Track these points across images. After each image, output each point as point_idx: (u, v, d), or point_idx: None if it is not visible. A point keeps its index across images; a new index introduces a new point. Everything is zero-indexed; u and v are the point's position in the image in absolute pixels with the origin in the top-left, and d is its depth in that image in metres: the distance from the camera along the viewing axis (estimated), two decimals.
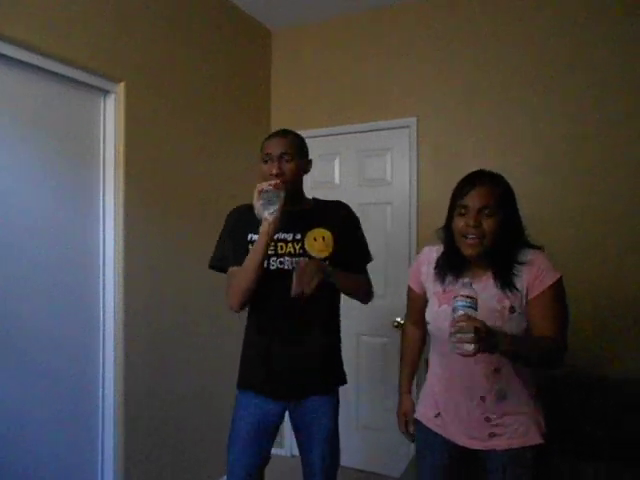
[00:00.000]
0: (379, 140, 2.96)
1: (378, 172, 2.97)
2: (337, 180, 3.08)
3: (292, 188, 1.58)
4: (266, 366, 1.60)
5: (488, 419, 1.34)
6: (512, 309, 1.30)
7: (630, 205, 2.35)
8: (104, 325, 2.14)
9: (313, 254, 1.59)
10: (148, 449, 2.27)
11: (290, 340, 1.59)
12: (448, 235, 1.40)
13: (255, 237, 1.57)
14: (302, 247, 1.60)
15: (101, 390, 2.14)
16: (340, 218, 1.68)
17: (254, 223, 1.56)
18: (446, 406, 1.42)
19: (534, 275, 1.29)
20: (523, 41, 2.58)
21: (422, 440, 1.51)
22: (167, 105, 2.41)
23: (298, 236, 1.61)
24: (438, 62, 2.78)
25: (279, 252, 1.60)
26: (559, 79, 2.50)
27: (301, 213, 1.64)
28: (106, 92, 2.13)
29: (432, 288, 1.45)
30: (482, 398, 1.34)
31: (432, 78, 2.79)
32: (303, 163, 1.65)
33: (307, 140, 3.22)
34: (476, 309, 1.16)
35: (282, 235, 1.61)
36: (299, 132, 3.23)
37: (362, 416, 2.98)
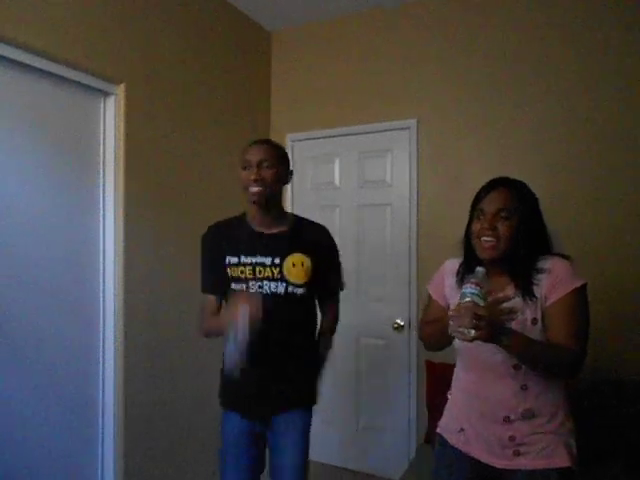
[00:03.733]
0: (379, 141, 2.96)
1: (378, 174, 2.97)
2: (337, 181, 3.08)
3: (270, 198, 1.57)
4: (237, 387, 1.62)
5: (513, 438, 1.29)
6: (534, 321, 1.26)
7: (635, 204, 2.34)
8: (104, 325, 2.14)
9: (291, 280, 1.59)
10: (148, 449, 2.27)
11: (262, 362, 1.56)
12: (467, 242, 1.39)
13: (233, 260, 1.60)
14: (280, 272, 1.58)
15: (101, 390, 2.14)
16: (320, 245, 1.67)
17: (230, 244, 1.60)
18: (470, 422, 1.38)
19: (551, 283, 1.25)
20: (523, 42, 2.58)
21: (441, 455, 1.46)
22: (167, 106, 2.41)
23: (277, 260, 1.59)
24: (438, 64, 2.78)
25: (257, 276, 1.59)
26: (560, 80, 2.50)
27: (280, 235, 1.62)
28: (106, 93, 2.13)
29: (455, 300, 1.40)
30: (507, 416, 1.29)
31: (432, 80, 2.79)
32: (283, 172, 1.62)
33: (307, 141, 3.25)
34: (484, 298, 1.15)
35: (260, 259, 1.59)
36: (299, 133, 3.27)
37: (362, 417, 2.98)
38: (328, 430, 3.06)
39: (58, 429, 1.97)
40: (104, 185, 2.15)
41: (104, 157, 2.15)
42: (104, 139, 2.15)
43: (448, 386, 2.45)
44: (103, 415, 2.14)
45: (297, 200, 3.19)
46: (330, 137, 3.08)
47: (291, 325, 1.61)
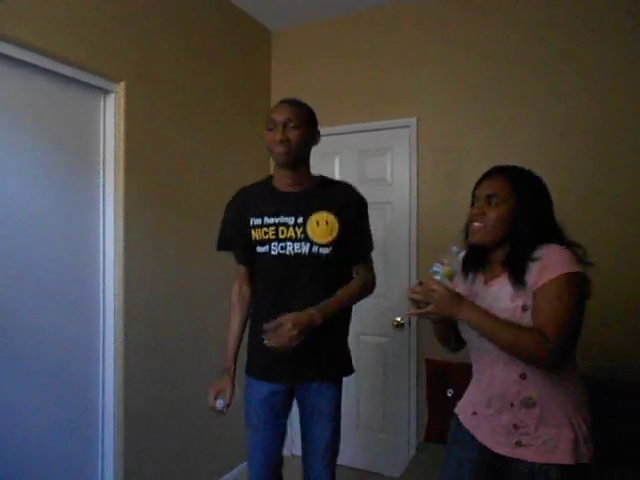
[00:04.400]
0: (379, 140, 2.96)
1: (378, 172, 2.97)
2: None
3: (298, 158, 1.54)
4: (266, 353, 1.52)
5: (516, 426, 1.28)
6: (524, 307, 1.25)
7: (634, 205, 2.35)
8: (104, 325, 2.14)
9: (315, 239, 1.52)
10: (148, 449, 2.27)
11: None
12: (467, 232, 1.38)
13: (257, 222, 1.58)
14: (304, 231, 1.52)
15: (101, 390, 2.14)
16: (347, 202, 1.59)
17: (255, 205, 1.60)
18: (480, 407, 1.39)
19: (540, 269, 1.22)
20: (523, 42, 2.58)
21: (454, 434, 1.48)
22: (167, 105, 2.41)
23: (300, 219, 1.53)
24: (438, 62, 2.78)
25: (280, 237, 1.55)
26: (559, 79, 2.50)
27: (304, 193, 1.57)
28: (106, 92, 2.13)
29: (462, 291, 1.41)
30: (511, 404, 1.29)
31: (432, 78, 2.79)
32: (310, 133, 1.57)
33: None
34: (448, 276, 1.23)
35: (283, 218, 1.54)
36: None
37: (362, 416, 2.98)
38: None
39: (58, 429, 1.96)
40: (104, 185, 2.14)
41: (104, 156, 2.14)
42: (104, 137, 2.14)
43: (448, 384, 2.47)
44: (103, 415, 2.14)
45: None
46: (330, 135, 3.08)
47: (318, 287, 1.53)
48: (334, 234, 1.54)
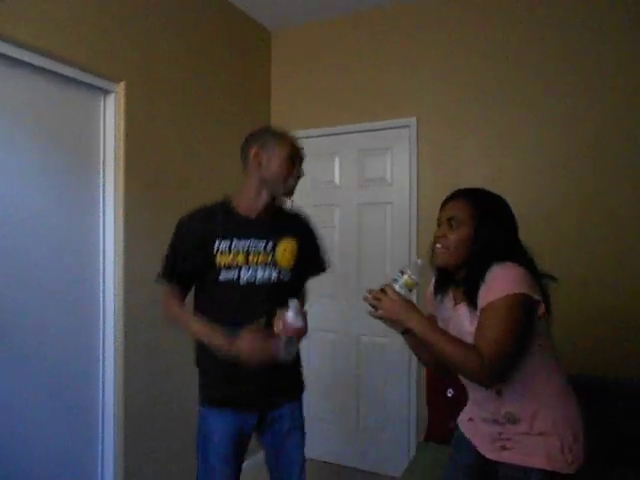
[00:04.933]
0: (379, 140, 2.96)
1: (378, 172, 2.97)
2: (337, 180, 3.08)
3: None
4: (238, 380, 1.50)
5: (500, 433, 1.32)
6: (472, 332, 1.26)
7: (634, 205, 2.35)
8: (104, 325, 2.14)
9: (283, 265, 1.54)
10: (148, 449, 2.27)
11: None
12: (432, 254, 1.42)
13: (223, 245, 1.47)
14: (273, 257, 1.51)
15: (101, 390, 2.14)
16: (302, 228, 1.66)
17: (220, 228, 1.49)
18: (474, 415, 1.44)
19: (485, 290, 1.23)
20: (523, 42, 2.58)
21: (456, 440, 1.53)
22: (167, 105, 2.41)
23: (270, 244, 1.52)
24: (438, 62, 2.78)
25: (251, 262, 1.49)
26: (559, 79, 2.50)
27: (270, 220, 1.56)
28: (106, 92, 2.13)
29: (436, 314, 1.48)
30: (497, 420, 1.31)
31: (432, 78, 2.79)
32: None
33: (307, 140, 3.26)
34: (406, 285, 1.28)
35: (254, 242, 1.50)
36: (299, 132, 3.26)
37: (362, 416, 2.98)
38: (329, 428, 3.07)
39: (58, 429, 1.96)
40: (104, 185, 2.14)
41: (104, 156, 2.14)
42: (104, 137, 2.14)
43: (448, 384, 2.46)
44: (103, 415, 2.14)
45: (297, 199, 3.18)
46: (330, 135, 3.08)
47: (274, 310, 1.53)
48: (295, 260, 1.57)
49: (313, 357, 3.10)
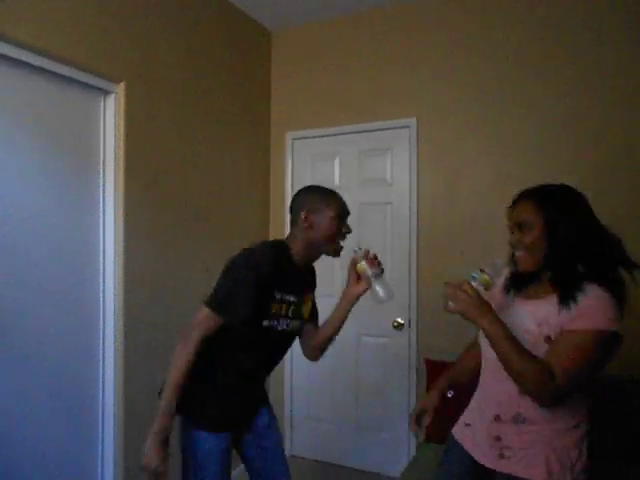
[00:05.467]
0: (379, 140, 2.96)
1: (378, 172, 2.97)
2: (337, 180, 3.08)
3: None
4: (243, 408, 1.63)
5: (499, 438, 1.30)
6: (547, 339, 1.23)
7: (634, 205, 2.34)
8: (104, 325, 2.14)
9: (304, 318, 1.65)
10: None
11: (259, 380, 1.71)
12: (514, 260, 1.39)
13: (278, 296, 1.51)
14: (300, 309, 1.62)
15: (101, 390, 2.14)
16: (315, 283, 1.75)
17: (281, 281, 1.51)
18: (474, 417, 1.43)
19: (577, 312, 1.18)
20: (523, 42, 2.58)
21: (447, 447, 1.52)
22: (167, 105, 2.41)
23: (301, 299, 1.62)
24: (438, 62, 2.78)
25: (287, 313, 1.57)
26: (559, 79, 2.50)
27: (304, 274, 1.64)
28: (106, 92, 2.13)
29: (498, 301, 1.43)
30: (498, 415, 1.31)
31: (432, 78, 2.79)
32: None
33: (307, 140, 3.26)
34: (484, 283, 1.27)
35: (295, 298, 1.58)
36: (299, 132, 3.27)
37: (362, 416, 2.98)
38: (329, 428, 3.07)
39: (58, 429, 1.96)
40: (104, 185, 2.14)
41: (104, 156, 2.14)
42: (104, 138, 2.14)
43: (448, 385, 2.46)
44: (103, 415, 2.14)
45: None
46: (330, 136, 3.08)
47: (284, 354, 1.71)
48: (310, 311, 1.69)
49: None
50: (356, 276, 1.56)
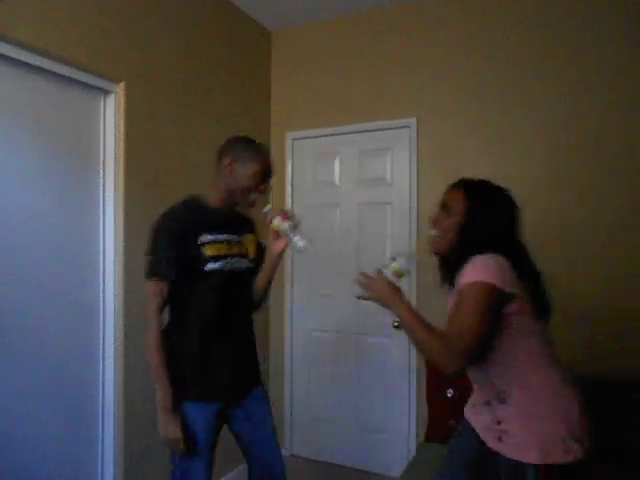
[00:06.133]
0: (379, 140, 2.96)
1: (378, 172, 2.97)
2: (337, 180, 3.08)
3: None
4: (224, 370, 1.60)
5: (499, 422, 1.33)
6: None
7: (634, 204, 2.34)
8: (104, 325, 2.14)
9: (250, 256, 1.70)
10: (148, 448, 2.27)
11: (235, 342, 1.66)
12: None
13: (207, 238, 1.55)
14: (243, 249, 1.68)
15: (101, 390, 2.14)
16: (254, 226, 1.80)
17: (202, 223, 1.58)
18: (475, 401, 1.48)
19: (458, 279, 1.29)
20: (523, 42, 2.58)
21: (460, 431, 1.56)
22: (167, 105, 2.41)
23: (240, 238, 1.68)
24: (438, 62, 2.78)
25: (230, 252, 1.62)
26: (559, 79, 2.50)
27: (237, 216, 1.72)
28: (106, 92, 2.13)
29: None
30: (488, 400, 1.36)
31: (432, 78, 2.79)
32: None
33: (307, 140, 3.26)
34: (396, 273, 1.36)
35: (230, 236, 1.64)
36: (299, 131, 3.27)
37: (362, 416, 2.98)
38: (329, 428, 3.07)
39: (58, 429, 1.96)
40: (104, 185, 2.14)
41: (104, 156, 2.14)
42: (104, 137, 2.14)
43: (448, 384, 2.46)
44: (103, 415, 2.14)
45: (297, 199, 3.19)
46: (330, 135, 3.08)
47: (248, 299, 1.74)
48: (256, 252, 1.74)
49: (313, 357, 3.10)
50: (275, 234, 1.62)
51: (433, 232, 1.40)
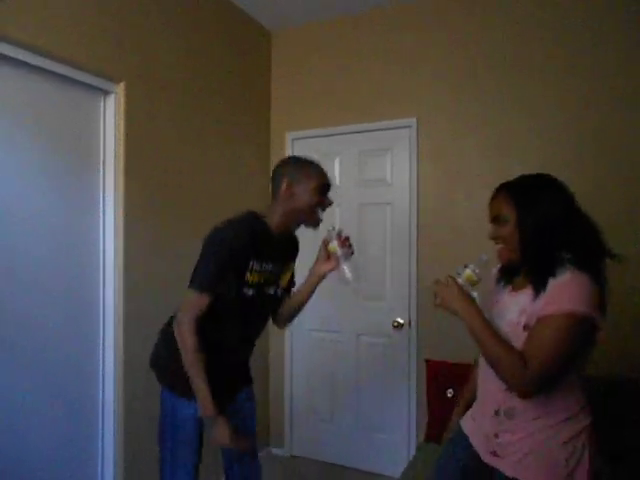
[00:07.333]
0: (379, 140, 2.96)
1: (378, 172, 2.97)
2: (337, 180, 3.08)
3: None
4: (222, 380, 1.57)
5: (497, 435, 1.31)
6: (525, 327, 1.23)
7: (634, 204, 2.34)
8: (104, 325, 2.14)
9: (282, 285, 1.69)
10: (148, 447, 2.26)
11: (237, 362, 1.73)
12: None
13: (256, 266, 1.53)
14: (279, 279, 1.66)
15: (101, 389, 2.14)
16: (296, 253, 1.77)
17: (258, 250, 1.53)
18: (477, 412, 1.45)
19: (550, 295, 1.19)
20: (523, 42, 2.58)
21: (455, 436, 1.54)
22: (167, 105, 2.41)
23: (281, 268, 1.65)
24: (438, 62, 2.78)
25: (266, 281, 1.60)
26: (559, 79, 2.50)
27: (284, 244, 1.66)
28: (106, 92, 2.13)
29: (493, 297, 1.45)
30: (497, 410, 1.32)
31: (432, 79, 2.79)
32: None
33: (307, 140, 3.26)
34: (469, 280, 1.32)
35: (274, 268, 1.61)
36: (299, 132, 3.26)
37: (362, 416, 2.98)
38: (329, 428, 3.07)
39: (58, 427, 1.96)
40: (104, 183, 2.14)
41: (104, 156, 2.15)
42: (104, 138, 2.14)
43: (448, 384, 2.46)
44: (103, 414, 2.14)
45: None
46: (330, 136, 3.09)
47: (264, 324, 1.75)
48: (288, 282, 1.73)
49: (313, 357, 3.10)
50: (326, 255, 1.59)
51: (499, 246, 1.33)
